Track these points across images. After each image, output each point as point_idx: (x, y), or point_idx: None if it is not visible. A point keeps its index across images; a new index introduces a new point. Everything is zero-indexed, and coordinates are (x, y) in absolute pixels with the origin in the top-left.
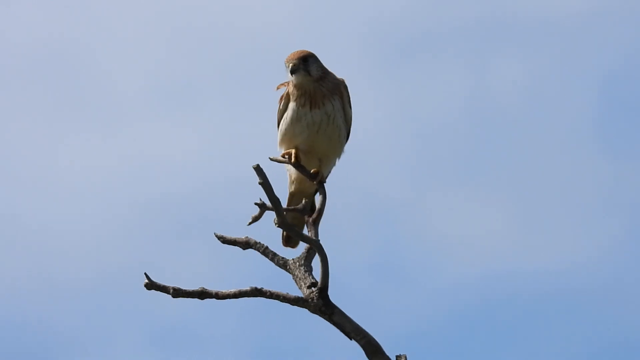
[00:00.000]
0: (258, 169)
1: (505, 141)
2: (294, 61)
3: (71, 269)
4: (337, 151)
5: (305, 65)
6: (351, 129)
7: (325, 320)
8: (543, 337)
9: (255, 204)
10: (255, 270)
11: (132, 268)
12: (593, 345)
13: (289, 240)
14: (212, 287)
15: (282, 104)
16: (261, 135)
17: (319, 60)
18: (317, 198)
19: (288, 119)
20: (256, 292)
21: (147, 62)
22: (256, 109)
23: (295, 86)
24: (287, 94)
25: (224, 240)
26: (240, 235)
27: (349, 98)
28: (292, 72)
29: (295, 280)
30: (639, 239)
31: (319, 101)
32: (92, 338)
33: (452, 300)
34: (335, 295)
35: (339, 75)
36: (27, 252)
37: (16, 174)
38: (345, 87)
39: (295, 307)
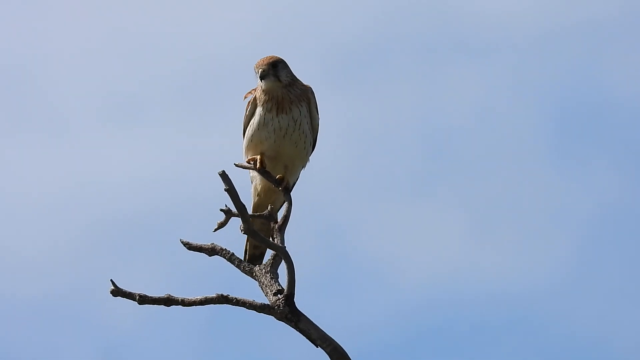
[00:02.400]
0: (224, 176)
1: (458, 159)
2: (264, 67)
3: (19, 288)
4: (303, 158)
5: (275, 70)
6: (317, 136)
7: (291, 328)
8: (497, 354)
9: (221, 210)
10: (221, 278)
11: (83, 284)
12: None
13: (253, 261)
14: (178, 294)
15: (248, 109)
16: (211, 149)
17: (288, 66)
18: (283, 205)
19: (255, 124)
20: (222, 299)
21: (95, 79)
22: (205, 124)
23: (264, 91)
24: (254, 100)
25: (190, 247)
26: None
27: (316, 104)
28: (262, 77)
29: (262, 288)
30: (590, 256)
31: (286, 107)
32: (43, 356)
33: (398, 321)
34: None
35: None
36: None
37: None
38: (313, 93)
39: (262, 314)
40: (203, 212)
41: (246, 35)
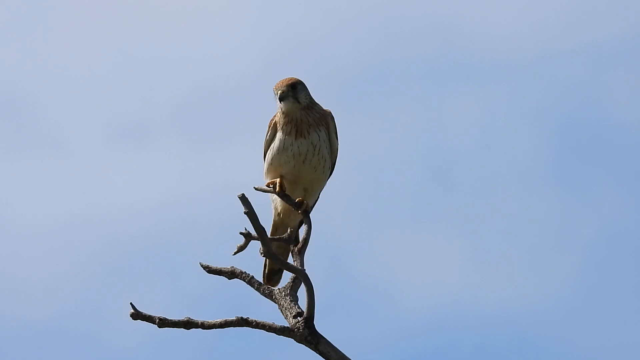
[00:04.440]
0: (243, 199)
1: (460, 182)
2: (283, 88)
3: (27, 311)
4: (322, 182)
5: (294, 92)
6: (336, 161)
7: (311, 350)
8: None
9: (241, 233)
10: (241, 300)
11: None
12: None
13: (271, 278)
14: (198, 317)
15: (268, 134)
16: (221, 170)
17: (306, 88)
18: (302, 228)
19: (275, 148)
20: (242, 322)
21: (99, 101)
22: (210, 146)
23: (283, 113)
24: (275, 124)
25: (210, 270)
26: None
27: (336, 129)
28: (281, 99)
29: (281, 310)
30: (593, 279)
31: (304, 130)
32: None
33: (403, 346)
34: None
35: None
36: None
37: None
38: (332, 118)
39: (281, 336)
40: (216, 235)
41: (247, 58)
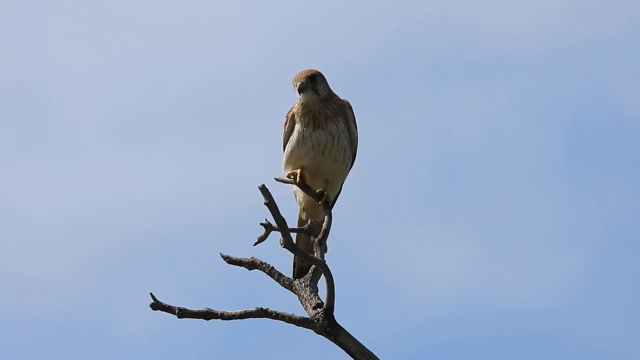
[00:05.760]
0: (264, 189)
1: (469, 178)
2: (302, 80)
3: (37, 307)
4: (343, 172)
5: (314, 84)
6: (357, 150)
7: (330, 341)
8: None
9: (261, 224)
10: (261, 291)
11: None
12: None
13: (300, 275)
14: (217, 308)
15: (287, 126)
16: (226, 164)
17: (325, 80)
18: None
19: (294, 141)
20: (262, 313)
21: (106, 97)
22: (217, 140)
23: (301, 105)
24: (292, 116)
25: (230, 261)
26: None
27: (354, 118)
28: (300, 90)
29: (301, 301)
30: (602, 273)
31: (322, 122)
32: None
33: (412, 342)
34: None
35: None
36: None
37: None
38: (350, 107)
39: (301, 327)
40: (233, 228)
41: (250, 56)
